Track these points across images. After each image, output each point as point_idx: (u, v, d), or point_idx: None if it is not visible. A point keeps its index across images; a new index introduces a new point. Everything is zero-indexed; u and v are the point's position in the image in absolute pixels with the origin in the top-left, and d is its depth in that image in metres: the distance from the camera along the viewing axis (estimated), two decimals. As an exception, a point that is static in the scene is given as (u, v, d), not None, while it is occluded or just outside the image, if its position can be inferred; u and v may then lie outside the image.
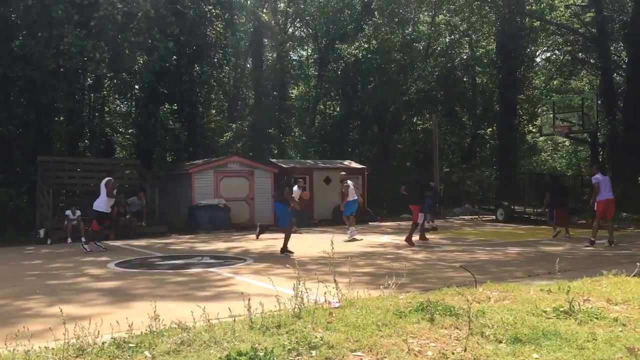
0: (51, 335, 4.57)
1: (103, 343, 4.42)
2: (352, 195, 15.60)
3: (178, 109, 24.18)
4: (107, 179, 13.26)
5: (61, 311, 4.81)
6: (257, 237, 15.57)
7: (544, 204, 15.90)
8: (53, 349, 4.36)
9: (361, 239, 14.83)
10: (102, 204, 12.99)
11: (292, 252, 11.54)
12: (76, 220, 16.18)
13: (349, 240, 14.55)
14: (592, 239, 12.39)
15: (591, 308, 5.41)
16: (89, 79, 22.43)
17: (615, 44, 27.69)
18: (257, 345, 4.21)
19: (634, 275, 7.14)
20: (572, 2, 27.45)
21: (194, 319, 4.89)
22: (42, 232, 16.41)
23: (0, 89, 17.98)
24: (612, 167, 25.44)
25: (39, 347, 4.41)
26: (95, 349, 4.29)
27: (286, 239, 11.65)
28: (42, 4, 16.91)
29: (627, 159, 22.89)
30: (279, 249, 11.81)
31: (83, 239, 13.52)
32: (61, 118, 21.16)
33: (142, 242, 15.13)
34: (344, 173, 16.19)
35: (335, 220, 21.06)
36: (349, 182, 15.81)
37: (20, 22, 17.84)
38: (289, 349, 4.15)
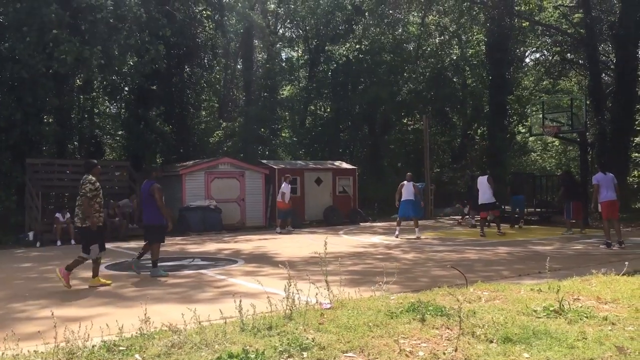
0: (41, 338, 4.53)
1: (93, 346, 4.40)
2: (407, 195, 15.36)
3: (168, 110, 24.08)
4: (486, 176, 15.70)
5: (52, 314, 4.78)
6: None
7: (560, 198, 16.14)
8: (42, 352, 4.33)
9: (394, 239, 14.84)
10: (487, 196, 15.25)
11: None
12: (66, 222, 16.07)
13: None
14: (608, 240, 11.97)
15: (581, 307, 5.44)
16: (78, 81, 22.29)
17: (603, 45, 27.87)
18: (248, 347, 4.20)
19: (623, 274, 7.19)
20: (560, 2, 27.61)
21: (184, 321, 4.88)
22: (31, 234, 16.29)
23: (-13, 90, 17.83)
24: (600, 166, 25.59)
25: (28, 350, 4.39)
26: (85, 353, 4.27)
27: None
28: (32, 6, 16.76)
29: (616, 158, 23.04)
30: (268, 251, 11.78)
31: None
32: (50, 120, 21.01)
33: (133, 244, 15.03)
34: (409, 174, 16.17)
35: (326, 220, 21.09)
36: (405, 182, 15.58)
37: (8, 24, 17.69)
38: (280, 350, 4.15)
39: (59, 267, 8.43)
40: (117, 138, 28.27)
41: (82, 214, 8.27)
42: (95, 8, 17.27)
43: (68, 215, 16.35)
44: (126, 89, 24.48)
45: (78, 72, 18.43)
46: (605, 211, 12.07)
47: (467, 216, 19.66)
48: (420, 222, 20.91)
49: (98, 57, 17.43)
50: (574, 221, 15.79)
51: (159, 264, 9.45)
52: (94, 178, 8.34)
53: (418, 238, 14.82)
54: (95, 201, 8.31)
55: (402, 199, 15.37)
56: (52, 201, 19.15)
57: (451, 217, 23.63)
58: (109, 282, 8.50)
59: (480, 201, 15.70)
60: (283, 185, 17.76)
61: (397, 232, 15.36)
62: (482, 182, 15.71)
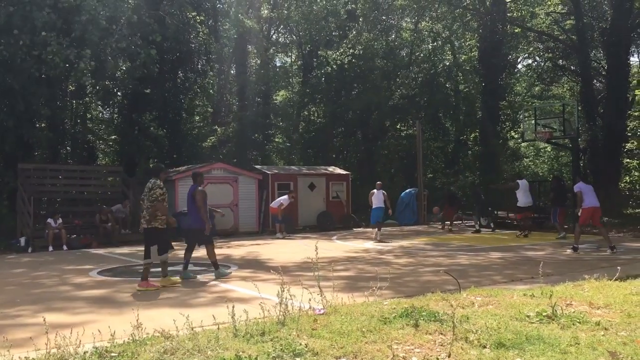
0: (32, 345, 4.50)
1: (85, 352, 4.37)
2: (377, 203, 16.16)
3: (161, 115, 24.02)
4: (524, 180, 16.57)
5: (44, 320, 4.75)
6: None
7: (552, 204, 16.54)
8: (34, 359, 4.30)
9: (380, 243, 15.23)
10: (529, 199, 16.07)
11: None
12: (58, 228, 15.99)
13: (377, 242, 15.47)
14: (575, 245, 12.25)
15: (574, 312, 5.46)
16: (71, 86, 22.22)
17: (595, 51, 28.09)
18: (241, 353, 4.18)
19: (616, 280, 7.22)
20: (552, 9, 27.80)
21: (177, 327, 4.86)
22: (22, 240, 16.18)
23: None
24: (592, 172, 25.74)
25: (19, 357, 4.36)
26: (76, 359, 4.24)
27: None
28: (24, 10, 16.73)
29: (608, 164, 23.20)
30: (261, 256, 11.76)
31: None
32: (42, 125, 20.92)
33: (125, 250, 14.98)
34: (379, 182, 17.19)
35: (320, 226, 21.07)
36: (375, 190, 16.41)
37: (2, 30, 17.62)
38: (274, 356, 4.14)
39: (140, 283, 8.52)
40: (110, 143, 28.18)
41: (149, 216, 8.51)
42: (83, 9, 17.22)
43: (60, 220, 16.26)
44: (119, 94, 24.43)
45: (68, 75, 18.32)
46: (585, 216, 12.30)
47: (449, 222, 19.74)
48: (412, 227, 21.21)
49: (87, 60, 17.35)
50: (566, 226, 15.96)
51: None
52: (162, 182, 8.71)
53: (377, 241, 15.67)
54: (163, 204, 8.65)
55: (372, 207, 16.24)
56: (44, 206, 19.03)
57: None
58: (157, 285, 8.55)
59: (521, 204, 16.25)
60: (285, 197, 18.10)
61: (378, 237, 15.92)
62: (525, 185, 16.39)
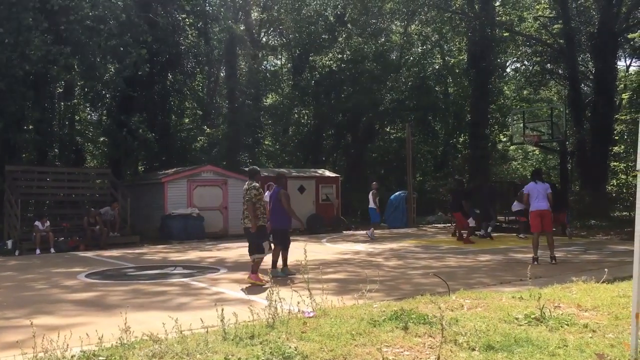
0: (19, 348, 4.46)
1: (72, 356, 4.34)
2: (370, 203, 17.27)
3: (151, 118, 23.91)
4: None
5: (31, 324, 4.70)
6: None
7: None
8: (20, 363, 4.26)
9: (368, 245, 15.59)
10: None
11: None
12: (45, 231, 15.86)
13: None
14: (535, 255, 10.78)
15: (562, 314, 5.49)
16: (59, 88, 22.06)
17: (582, 55, 28.34)
18: (230, 356, 4.17)
19: (603, 282, 7.27)
20: (540, 13, 28.02)
21: (165, 330, 4.83)
22: (9, 243, 16.04)
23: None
24: (580, 175, 25.95)
25: (6, 361, 4.31)
26: (64, 363, 4.20)
27: None
28: (10, 10, 16.62)
29: (595, 167, 23.38)
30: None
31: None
32: (30, 127, 20.77)
33: (114, 253, 14.89)
34: (374, 183, 18.08)
35: (309, 228, 21.05)
36: (372, 191, 17.36)
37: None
38: (263, 359, 4.13)
39: (247, 276, 8.90)
40: (99, 145, 28.01)
41: (251, 215, 8.88)
42: (70, 9, 17.11)
43: (47, 223, 16.14)
44: (108, 95, 24.29)
45: (54, 74, 18.16)
46: (533, 222, 11.03)
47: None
48: (402, 230, 21.29)
49: (67, 57, 17.19)
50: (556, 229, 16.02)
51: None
52: (257, 184, 9.05)
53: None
54: (260, 204, 8.98)
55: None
56: (32, 209, 18.87)
57: (433, 224, 23.72)
58: (263, 281, 8.65)
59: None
60: (266, 194, 17.88)
61: (371, 237, 16.95)
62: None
